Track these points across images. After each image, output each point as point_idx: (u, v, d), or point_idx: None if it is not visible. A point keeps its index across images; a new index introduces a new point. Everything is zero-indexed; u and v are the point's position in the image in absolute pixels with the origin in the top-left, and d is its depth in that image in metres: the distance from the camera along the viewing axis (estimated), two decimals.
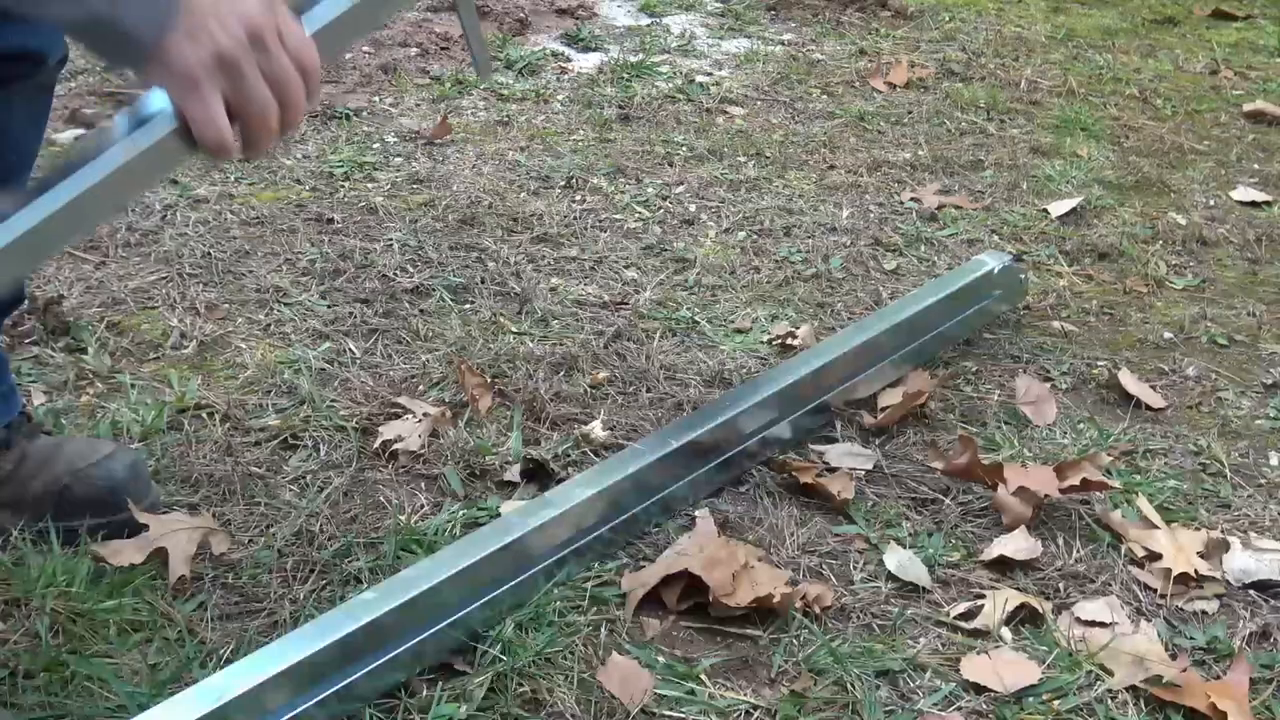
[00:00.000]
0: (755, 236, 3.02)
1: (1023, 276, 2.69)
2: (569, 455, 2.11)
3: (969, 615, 1.82)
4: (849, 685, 1.66)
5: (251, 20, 1.21)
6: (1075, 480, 2.04)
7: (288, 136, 1.26)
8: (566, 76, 4.12)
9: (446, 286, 2.63)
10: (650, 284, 2.74)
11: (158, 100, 1.24)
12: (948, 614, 1.82)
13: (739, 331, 2.57)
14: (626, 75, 4.11)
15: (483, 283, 2.67)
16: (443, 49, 4.24)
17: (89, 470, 1.83)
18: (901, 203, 3.27)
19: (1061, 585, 1.90)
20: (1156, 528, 2.01)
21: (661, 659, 1.69)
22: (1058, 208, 3.27)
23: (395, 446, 2.08)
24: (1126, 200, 3.40)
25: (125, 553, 1.77)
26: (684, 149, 3.53)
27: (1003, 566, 1.92)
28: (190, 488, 1.96)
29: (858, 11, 5.09)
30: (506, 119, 3.68)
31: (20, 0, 1.24)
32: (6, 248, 1.18)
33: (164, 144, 1.23)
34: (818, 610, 1.79)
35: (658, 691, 1.63)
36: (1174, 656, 1.75)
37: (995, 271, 2.55)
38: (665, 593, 1.80)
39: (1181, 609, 1.87)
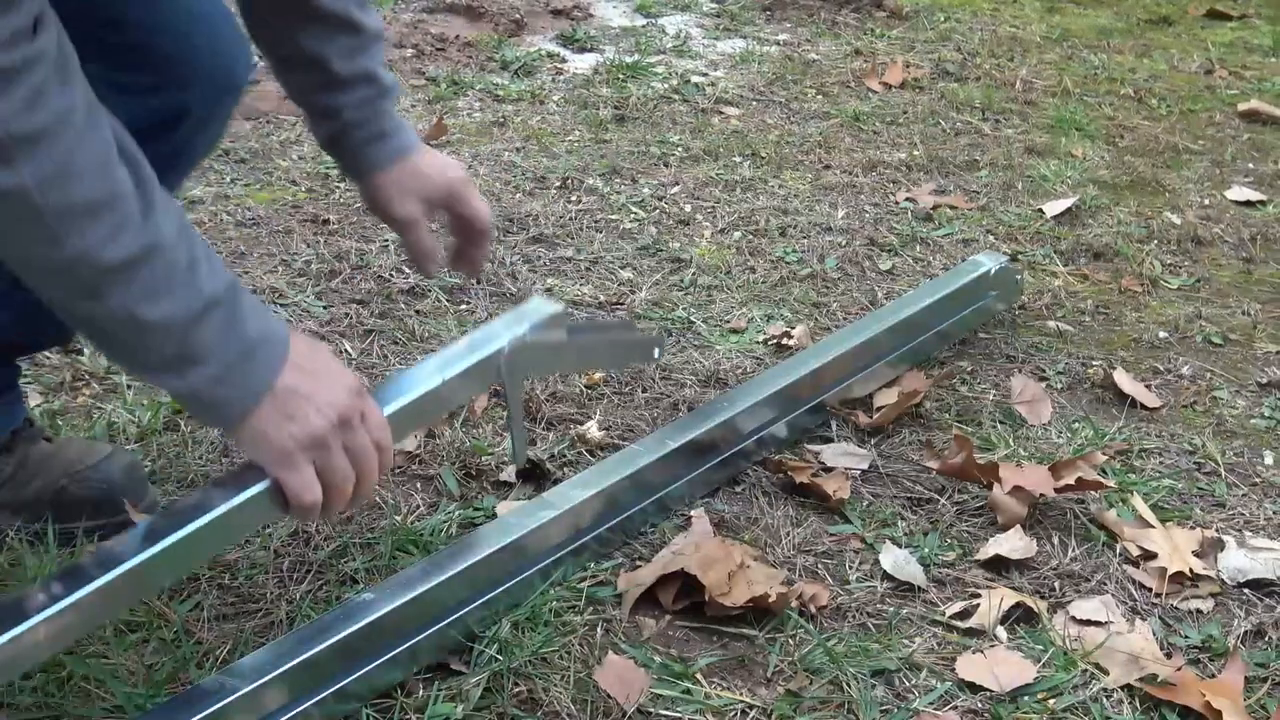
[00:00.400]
0: (751, 237, 3.02)
1: (1018, 277, 2.69)
2: (565, 455, 2.11)
3: (964, 614, 1.82)
4: (845, 684, 1.66)
5: (342, 406, 1.37)
6: (1070, 479, 2.04)
7: (361, 503, 1.50)
8: (562, 77, 4.13)
9: (442, 287, 2.64)
10: (646, 284, 2.74)
11: None
12: (943, 613, 1.83)
13: (734, 331, 2.57)
14: (622, 76, 4.12)
15: (478, 283, 2.67)
16: (438, 50, 4.25)
17: (86, 472, 1.83)
18: (897, 203, 3.27)
19: (1057, 584, 1.90)
20: (1151, 527, 2.01)
21: (658, 658, 1.69)
22: (1053, 207, 3.28)
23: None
24: (1121, 200, 3.40)
25: None
26: (679, 149, 3.53)
27: (998, 566, 1.93)
28: (187, 488, 1.96)
29: (853, 12, 5.10)
30: (502, 120, 3.69)
31: (129, 366, 1.38)
32: (110, 582, 1.30)
33: (257, 502, 1.38)
34: (813, 610, 1.80)
35: (654, 691, 1.63)
36: (1169, 655, 1.75)
37: (992, 272, 2.55)
38: (661, 592, 1.80)
39: (1176, 608, 1.87)
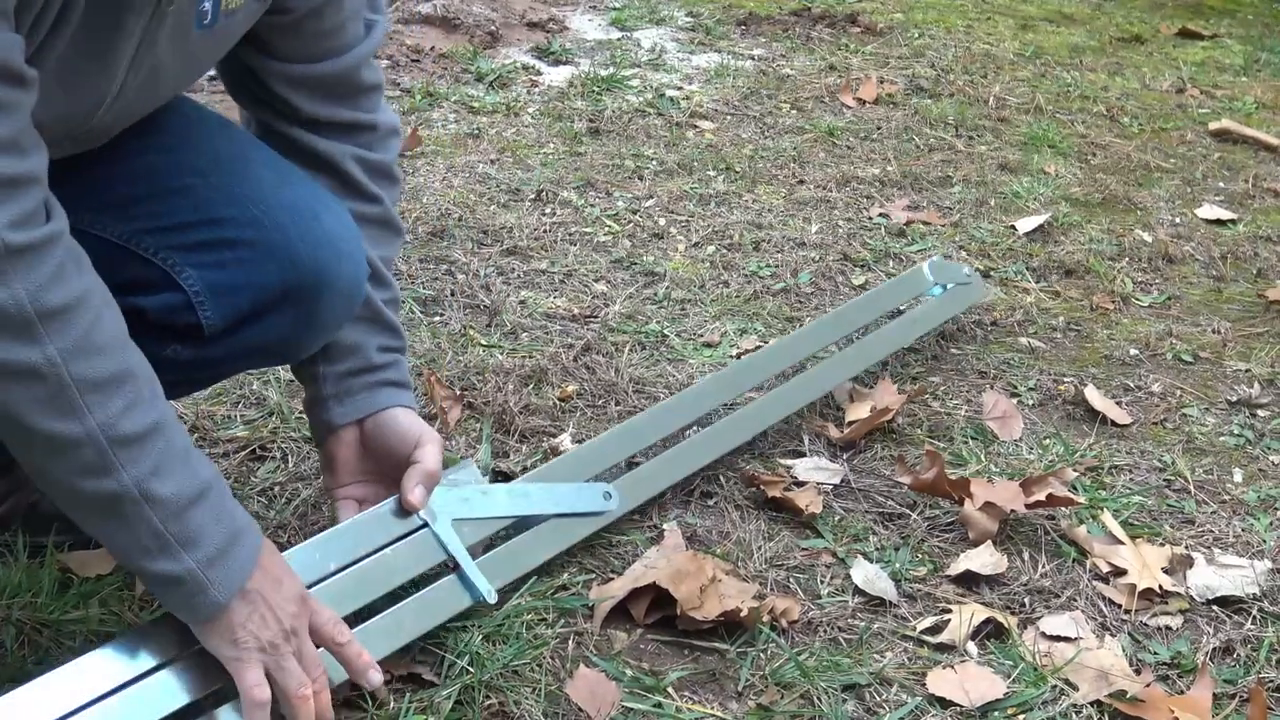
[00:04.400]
0: (724, 251, 3.03)
1: (967, 271, 2.72)
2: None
3: (935, 629, 1.82)
4: (815, 699, 1.66)
5: (292, 614, 1.44)
6: (1041, 495, 2.05)
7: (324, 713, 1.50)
8: (537, 90, 4.13)
9: (416, 298, 2.63)
10: (620, 297, 2.74)
11: None
12: (914, 628, 1.83)
13: (708, 345, 2.57)
14: (597, 89, 4.12)
15: (452, 295, 2.67)
16: (414, 61, 4.25)
17: None
18: (870, 218, 3.28)
19: (1027, 600, 1.91)
20: (1121, 543, 2.02)
21: (629, 672, 1.69)
22: (1025, 224, 3.29)
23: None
24: (1093, 217, 3.42)
25: (92, 563, 1.76)
26: (654, 163, 3.54)
27: (969, 581, 1.93)
28: None
29: (827, 28, 5.12)
30: (477, 131, 3.69)
31: (124, 550, 1.37)
32: None
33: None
34: (785, 624, 1.80)
35: (625, 704, 1.63)
36: (1138, 671, 1.76)
37: (927, 269, 2.65)
38: (633, 606, 1.80)
39: (1145, 624, 1.88)
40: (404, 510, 1.68)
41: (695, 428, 2.16)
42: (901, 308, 2.62)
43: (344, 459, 1.73)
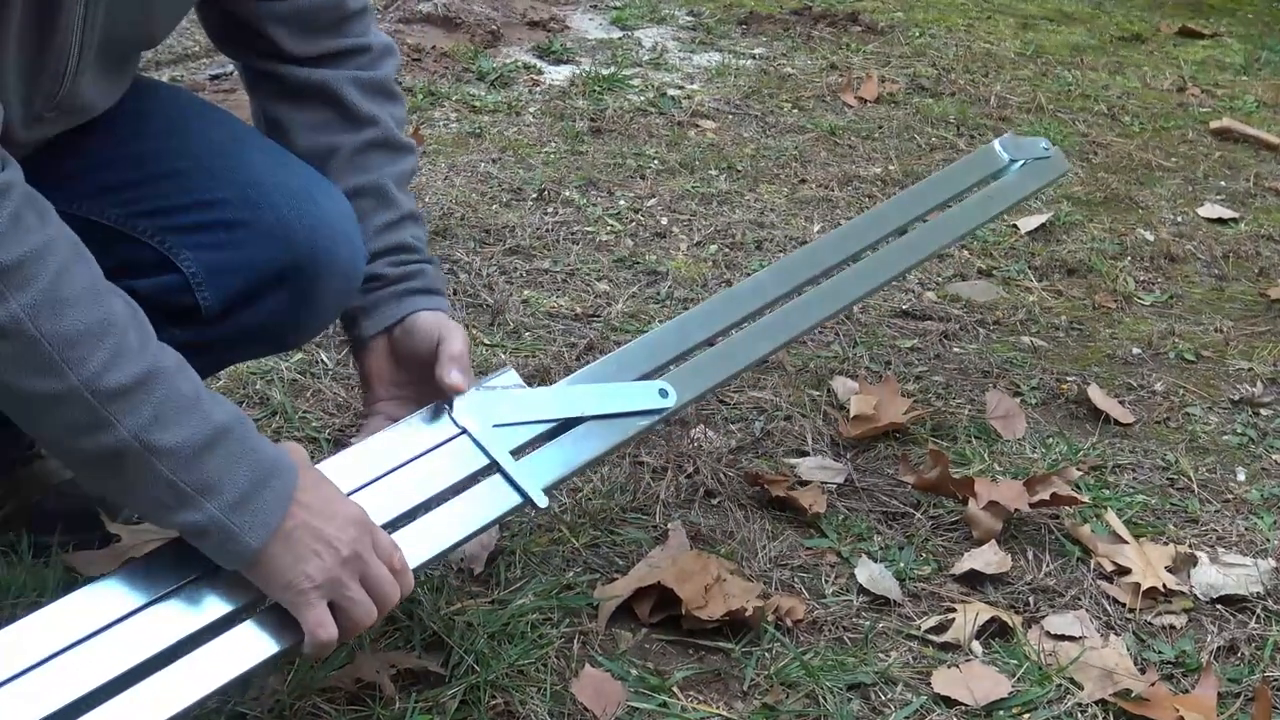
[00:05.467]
0: (727, 250, 3.03)
1: (1044, 146, 2.46)
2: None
3: (940, 629, 1.82)
4: (820, 698, 1.66)
5: (351, 540, 1.37)
6: (1045, 495, 2.05)
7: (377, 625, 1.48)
8: (538, 89, 4.13)
9: None
10: (622, 297, 2.74)
11: None
12: (919, 627, 1.83)
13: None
14: (598, 88, 4.12)
15: (455, 294, 2.67)
16: (414, 60, 4.24)
17: (64, 485, 1.82)
18: None
19: (1031, 599, 1.91)
20: (1125, 542, 2.02)
21: (634, 671, 1.69)
22: (1027, 223, 3.29)
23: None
24: (1095, 216, 3.42)
25: (97, 563, 1.75)
26: (656, 162, 3.54)
27: (973, 580, 1.93)
28: None
29: (828, 26, 5.12)
30: (478, 131, 3.69)
31: (141, 506, 1.36)
32: None
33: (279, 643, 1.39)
34: (789, 623, 1.80)
35: (630, 704, 1.63)
36: (1143, 670, 1.76)
37: (999, 146, 2.42)
38: (638, 605, 1.80)
39: (1150, 623, 1.88)
40: (438, 414, 1.60)
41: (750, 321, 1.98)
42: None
43: (376, 371, 1.67)
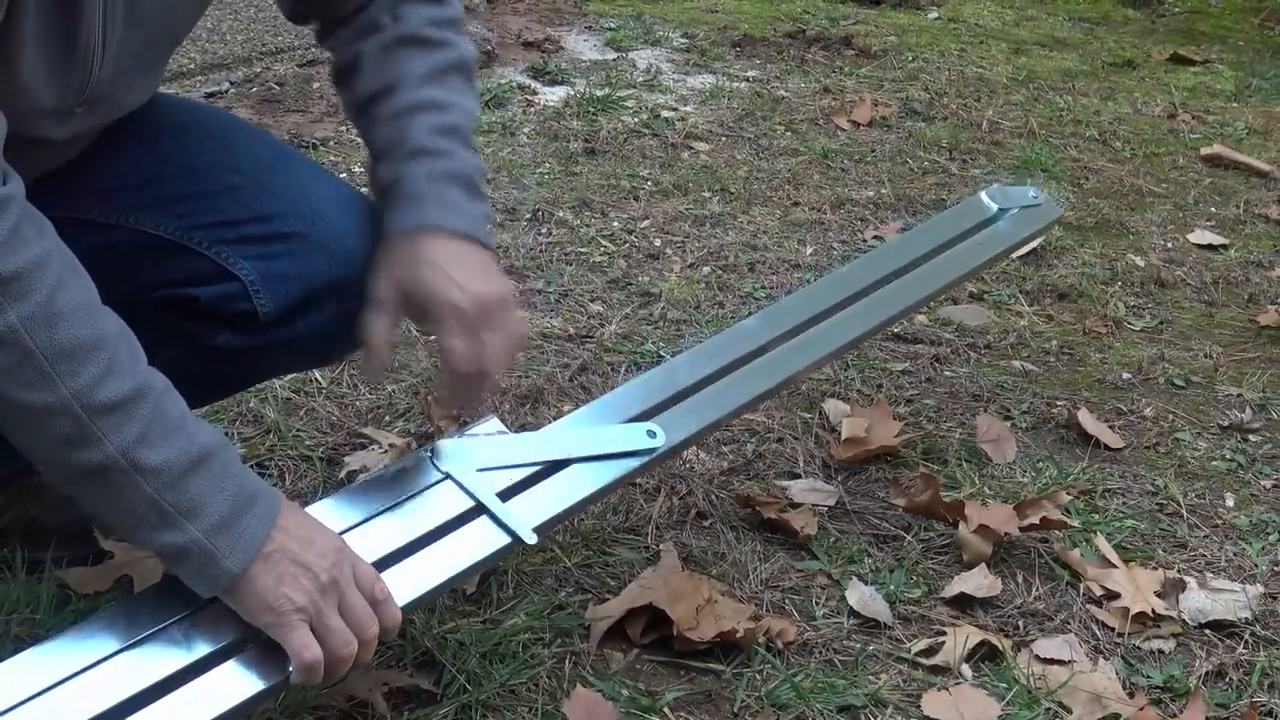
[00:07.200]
0: (720, 272, 3.04)
1: (1033, 194, 2.42)
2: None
3: (930, 652, 1.83)
4: None
5: (329, 568, 1.37)
6: (1035, 518, 2.06)
7: (364, 663, 1.46)
8: (533, 109, 4.14)
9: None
10: (616, 317, 2.75)
11: None
12: (909, 650, 1.84)
13: None
14: (592, 109, 4.13)
15: None
16: None
17: (58, 500, 1.82)
18: (864, 240, 3.29)
19: (1021, 623, 1.92)
20: (1114, 567, 2.03)
21: (625, 692, 1.70)
22: (1018, 247, 3.30)
23: (361, 477, 2.08)
24: (1086, 241, 3.44)
25: (90, 580, 1.76)
26: (649, 183, 3.55)
27: (963, 603, 1.94)
28: None
29: (822, 50, 5.14)
30: None
31: (123, 523, 1.34)
32: None
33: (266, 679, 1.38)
34: (780, 645, 1.81)
35: None
36: (1131, 695, 1.77)
37: (987, 197, 2.38)
38: (629, 626, 1.81)
39: (1139, 648, 1.89)
40: (421, 461, 1.60)
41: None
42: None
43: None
